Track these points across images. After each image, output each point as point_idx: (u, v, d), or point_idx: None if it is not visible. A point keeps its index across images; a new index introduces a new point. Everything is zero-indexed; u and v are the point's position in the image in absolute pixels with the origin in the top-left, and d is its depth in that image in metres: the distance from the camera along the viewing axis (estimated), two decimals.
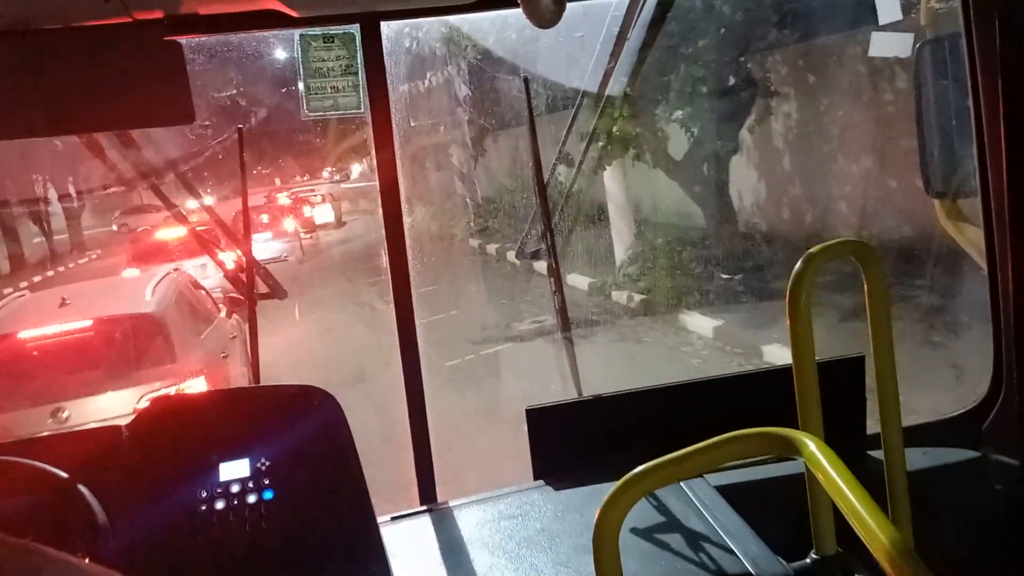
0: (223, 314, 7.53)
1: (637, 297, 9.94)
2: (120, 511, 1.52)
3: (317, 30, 1.97)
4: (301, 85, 2.01)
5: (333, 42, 1.98)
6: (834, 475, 1.07)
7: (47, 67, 1.76)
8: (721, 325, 8.36)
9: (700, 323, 8.65)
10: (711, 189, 10.28)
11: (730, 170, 10.28)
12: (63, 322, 6.20)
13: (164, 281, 7.07)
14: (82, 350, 6.07)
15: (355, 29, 1.97)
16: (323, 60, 2.00)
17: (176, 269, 8.14)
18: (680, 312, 9.14)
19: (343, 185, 27.35)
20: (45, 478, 1.54)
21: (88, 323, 6.25)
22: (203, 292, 7.77)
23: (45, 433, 2.22)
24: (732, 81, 9.64)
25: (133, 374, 6.01)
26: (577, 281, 11.10)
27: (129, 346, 6.14)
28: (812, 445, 1.12)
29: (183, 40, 1.81)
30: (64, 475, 1.53)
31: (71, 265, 19.06)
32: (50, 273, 17.86)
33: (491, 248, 14.74)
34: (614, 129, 8.90)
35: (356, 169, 29.26)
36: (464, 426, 6.29)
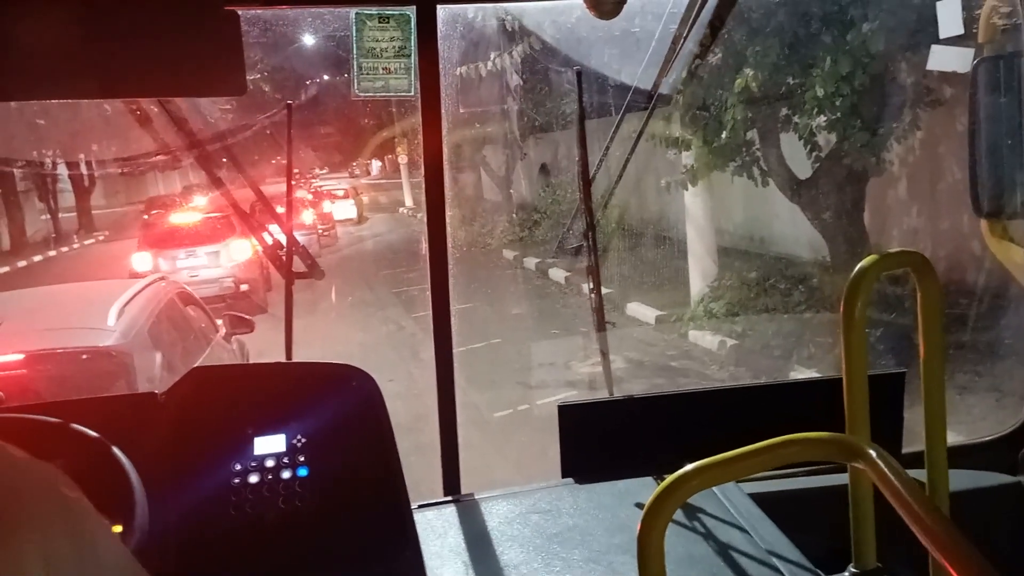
0: (221, 334, 6.02)
1: (729, 342, 8.15)
2: (154, 478, 1.50)
3: (373, 9, 1.95)
4: (353, 64, 1.99)
5: (388, 22, 1.96)
6: (899, 485, 1.03)
7: (101, 28, 1.74)
8: None
9: None
10: (844, 216, 8.00)
11: (867, 193, 8.14)
12: None
13: (141, 296, 5.30)
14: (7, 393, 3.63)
15: (411, 11, 1.96)
16: (377, 40, 1.98)
17: (162, 278, 6.38)
18: (790, 367, 7.38)
19: (363, 180, 27.49)
20: (78, 439, 1.52)
21: (19, 357, 4.37)
22: (196, 308, 6.11)
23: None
24: (890, 80, 7.35)
25: None
26: (640, 312, 9.45)
27: (73, 395, 3.96)
28: (874, 453, 1.09)
29: (241, 11, 1.80)
30: (98, 436, 1.52)
31: (76, 246, 18.20)
32: (52, 253, 17.15)
33: (530, 263, 13.07)
34: (722, 135, 7.83)
35: (376, 165, 29.47)
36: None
